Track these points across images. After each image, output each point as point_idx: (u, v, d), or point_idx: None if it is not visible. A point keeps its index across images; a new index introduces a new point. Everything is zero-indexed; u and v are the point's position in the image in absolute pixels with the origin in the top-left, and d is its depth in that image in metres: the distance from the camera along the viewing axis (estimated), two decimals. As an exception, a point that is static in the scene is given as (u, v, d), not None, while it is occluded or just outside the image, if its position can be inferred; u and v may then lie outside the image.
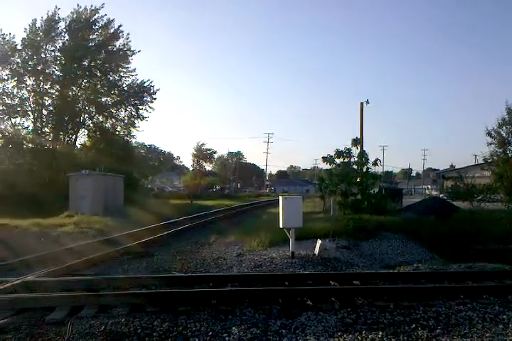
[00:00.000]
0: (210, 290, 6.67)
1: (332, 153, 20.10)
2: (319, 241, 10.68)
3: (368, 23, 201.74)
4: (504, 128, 24.31)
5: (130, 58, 34.15)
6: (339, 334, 5.06)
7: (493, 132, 24.37)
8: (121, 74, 34.32)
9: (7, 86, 30.71)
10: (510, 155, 24.02)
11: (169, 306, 5.79)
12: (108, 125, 35.09)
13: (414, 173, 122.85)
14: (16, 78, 30.49)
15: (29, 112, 31.33)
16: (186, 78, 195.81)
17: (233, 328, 5.15)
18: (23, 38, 30.82)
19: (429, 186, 68.45)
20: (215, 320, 5.43)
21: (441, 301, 6.23)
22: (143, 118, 34.97)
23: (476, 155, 45.92)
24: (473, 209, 19.78)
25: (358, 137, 21.44)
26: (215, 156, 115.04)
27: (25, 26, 31.51)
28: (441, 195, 32.51)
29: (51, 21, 31.47)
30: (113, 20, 33.47)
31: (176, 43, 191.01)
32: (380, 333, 5.03)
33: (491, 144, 24.55)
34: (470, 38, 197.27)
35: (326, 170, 21.26)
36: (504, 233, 13.46)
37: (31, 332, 5.03)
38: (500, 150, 24.19)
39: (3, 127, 30.79)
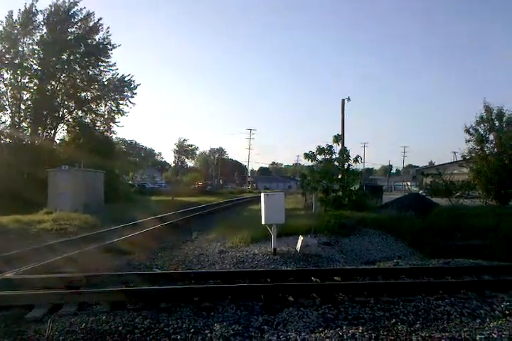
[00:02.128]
0: (192, 286, 6.66)
1: (314, 150, 20.16)
2: (301, 238, 10.73)
3: (351, 22, 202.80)
4: (482, 125, 24.68)
5: (110, 52, 33.74)
6: (320, 329, 5.10)
7: (471, 129, 24.74)
8: (101, 68, 33.93)
9: (-16, 80, 30.12)
10: (487, 152, 24.44)
11: (150, 303, 5.76)
12: (88, 120, 34.66)
13: (394, 170, 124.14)
14: (-8, 71, 29.89)
15: (6, 106, 30.76)
16: (168, 73, 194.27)
17: (215, 325, 5.16)
18: (0, 31, 30.17)
19: (409, 183, 69.18)
20: (197, 317, 5.43)
21: (421, 296, 6.32)
22: (123, 113, 34.67)
23: (454, 153, 46.74)
24: (451, 206, 20.10)
25: (340, 134, 21.53)
26: (197, 152, 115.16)
27: (1, 19, 30.76)
28: (420, 192, 32.93)
29: (28, 14, 30.85)
30: (92, 14, 33.02)
31: (158, 38, 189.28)
32: (361, 328, 5.08)
33: (469, 141, 24.92)
34: (451, 36, 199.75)
35: (308, 166, 21.31)
36: (482, 229, 13.71)
37: (10, 330, 4.96)
38: (478, 148, 24.57)
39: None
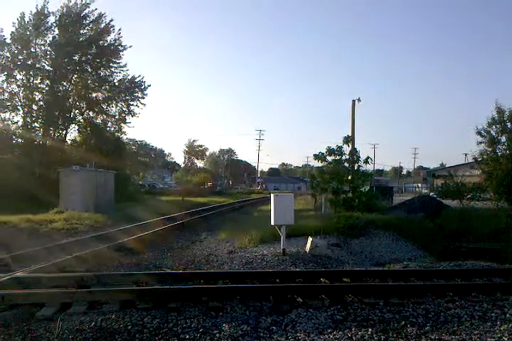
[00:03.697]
0: (201, 287, 6.67)
1: (324, 151, 20.12)
2: (310, 239, 10.71)
3: (360, 23, 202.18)
4: (494, 127, 24.38)
5: (121, 53, 33.96)
6: (329, 331, 5.09)
7: (483, 131, 24.45)
8: (112, 69, 34.12)
9: (-4, 81, 30.43)
10: (499, 154, 24.18)
11: (160, 303, 5.78)
12: (99, 121, 34.93)
13: (404, 172, 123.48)
14: (5, 72, 30.18)
15: (19, 107, 31.04)
16: (178, 74, 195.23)
17: (224, 325, 5.16)
18: (12, 32, 30.47)
19: (420, 184, 68.85)
20: (205, 317, 5.44)
21: (431, 298, 6.29)
22: (134, 114, 34.89)
23: (466, 154, 46.27)
24: (462, 208, 19.93)
25: (350, 135, 21.47)
26: (207, 153, 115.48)
27: (13, 20, 31.10)
28: (431, 194, 32.67)
29: (40, 15, 31.13)
30: (104, 15, 33.24)
31: (169, 39, 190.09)
32: (370, 330, 5.06)
33: (480, 143, 24.62)
34: (463, 37, 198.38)
35: (318, 167, 21.28)
36: (493, 231, 13.58)
37: (21, 329, 5.01)
38: (490, 149, 24.32)
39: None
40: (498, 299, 6.35)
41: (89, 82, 33.83)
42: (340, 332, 5.00)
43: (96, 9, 32.82)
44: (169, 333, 4.93)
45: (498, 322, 5.44)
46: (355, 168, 20.08)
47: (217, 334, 4.89)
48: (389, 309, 5.87)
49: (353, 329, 5.11)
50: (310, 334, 4.94)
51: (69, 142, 34.22)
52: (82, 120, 34.27)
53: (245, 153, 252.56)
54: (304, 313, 5.62)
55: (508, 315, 5.68)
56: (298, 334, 4.94)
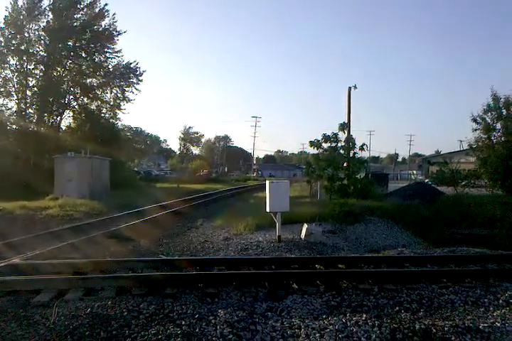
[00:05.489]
0: (197, 273, 6.69)
1: (319, 138, 20.07)
2: (305, 226, 10.75)
3: (358, 12, 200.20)
4: (489, 114, 24.44)
5: (116, 39, 33.58)
6: (324, 316, 5.12)
7: (478, 118, 24.52)
8: (107, 55, 33.79)
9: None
10: (494, 141, 24.27)
11: (156, 289, 5.80)
12: (93, 107, 34.65)
13: (400, 158, 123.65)
14: (-2, 57, 29.82)
15: (13, 93, 30.74)
16: (173, 60, 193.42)
17: (219, 311, 5.18)
18: (5, 16, 30.04)
19: (415, 171, 69.01)
20: (201, 303, 5.45)
21: (425, 285, 6.32)
22: (129, 100, 34.61)
23: (461, 141, 46.42)
24: (457, 195, 20.03)
25: (346, 122, 21.40)
26: (202, 140, 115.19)
27: (6, 4, 30.70)
28: (426, 180, 32.84)
29: (33, -1, 30.67)
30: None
31: (165, 25, 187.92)
32: (364, 316, 5.09)
33: (476, 130, 24.73)
34: (459, 28, 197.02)
35: (313, 154, 21.23)
36: (487, 218, 13.67)
37: (17, 315, 5.02)
38: (485, 136, 24.40)
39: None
40: (491, 285, 6.39)
41: (83, 67, 33.47)
42: (335, 318, 5.03)
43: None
44: (165, 319, 4.95)
45: (491, 308, 5.48)
46: (351, 154, 20.06)
47: (213, 320, 4.91)
48: (383, 295, 5.91)
49: (348, 315, 5.14)
50: (305, 320, 4.97)
51: (63, 128, 34.05)
52: (76, 106, 34.01)
53: (241, 140, 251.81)
54: (299, 299, 5.65)
55: (501, 301, 5.72)
56: (293, 320, 4.97)
